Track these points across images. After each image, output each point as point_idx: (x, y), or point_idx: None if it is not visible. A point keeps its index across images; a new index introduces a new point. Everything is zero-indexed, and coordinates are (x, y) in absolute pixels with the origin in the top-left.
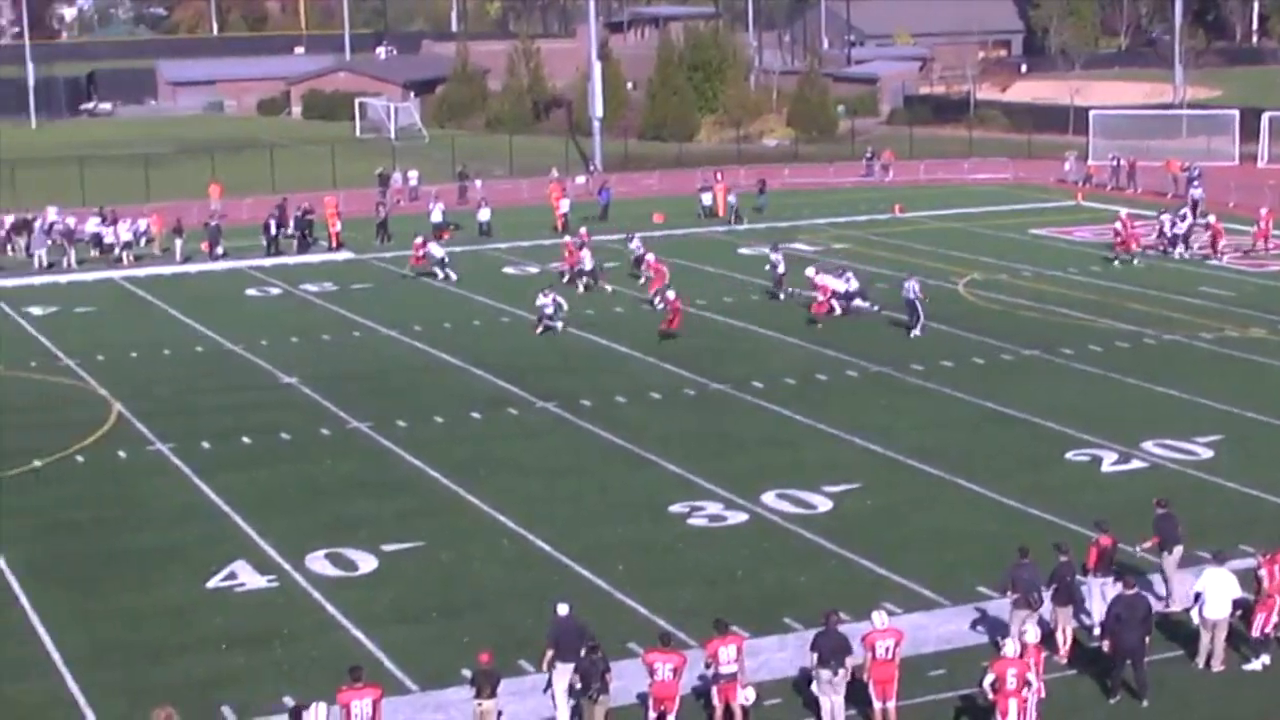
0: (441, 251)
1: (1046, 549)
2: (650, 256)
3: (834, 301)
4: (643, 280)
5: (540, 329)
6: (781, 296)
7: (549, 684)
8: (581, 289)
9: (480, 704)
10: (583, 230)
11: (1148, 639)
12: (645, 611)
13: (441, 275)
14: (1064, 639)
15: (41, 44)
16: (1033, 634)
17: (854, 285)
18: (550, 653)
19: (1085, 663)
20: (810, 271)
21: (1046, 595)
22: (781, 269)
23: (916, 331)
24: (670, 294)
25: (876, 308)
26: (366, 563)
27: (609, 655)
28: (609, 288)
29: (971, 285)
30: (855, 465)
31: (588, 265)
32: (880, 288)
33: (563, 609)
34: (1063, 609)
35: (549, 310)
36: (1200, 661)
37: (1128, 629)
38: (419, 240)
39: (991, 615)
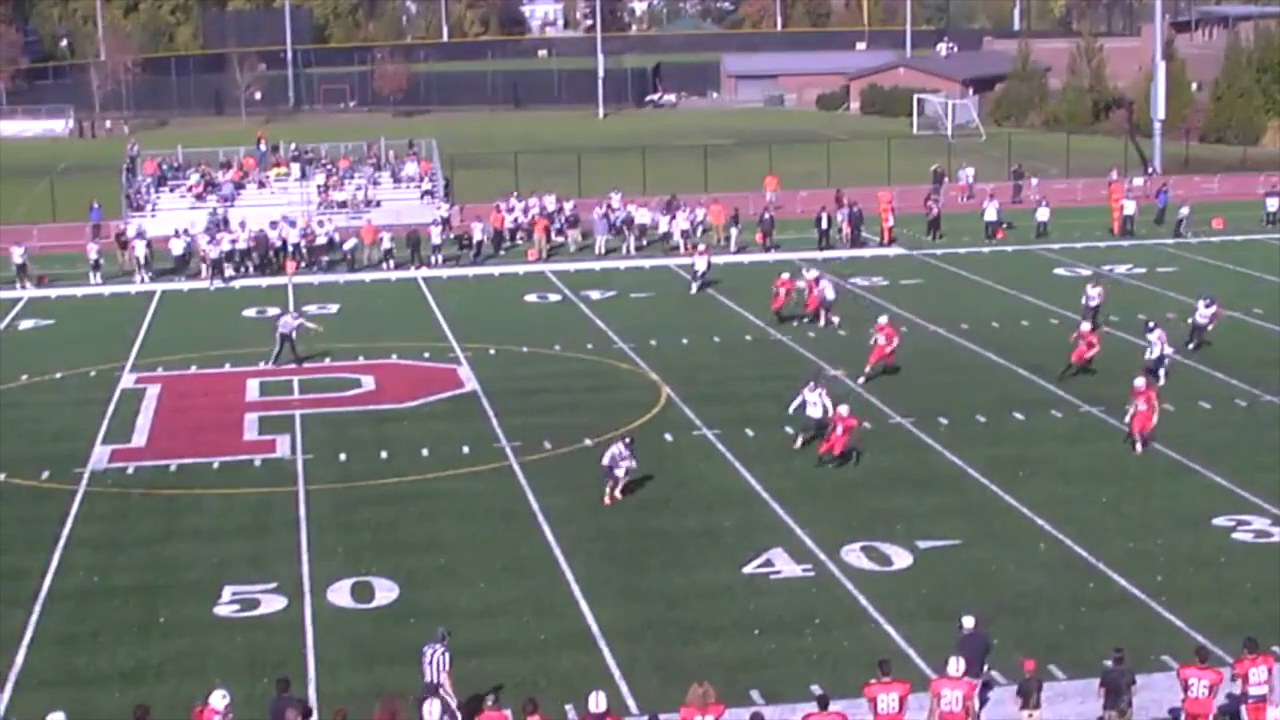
0: (704, 265)
1: None
2: (882, 319)
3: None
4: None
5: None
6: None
7: None
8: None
9: (1030, 714)
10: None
11: None
12: (1182, 625)
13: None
14: None
15: (612, 36)
16: None
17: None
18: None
19: None
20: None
21: None
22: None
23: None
24: (843, 409)
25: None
26: (901, 558)
27: (1141, 667)
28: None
29: None
30: None
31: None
32: None
33: (968, 622)
34: None
35: None
36: None
37: None
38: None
39: None
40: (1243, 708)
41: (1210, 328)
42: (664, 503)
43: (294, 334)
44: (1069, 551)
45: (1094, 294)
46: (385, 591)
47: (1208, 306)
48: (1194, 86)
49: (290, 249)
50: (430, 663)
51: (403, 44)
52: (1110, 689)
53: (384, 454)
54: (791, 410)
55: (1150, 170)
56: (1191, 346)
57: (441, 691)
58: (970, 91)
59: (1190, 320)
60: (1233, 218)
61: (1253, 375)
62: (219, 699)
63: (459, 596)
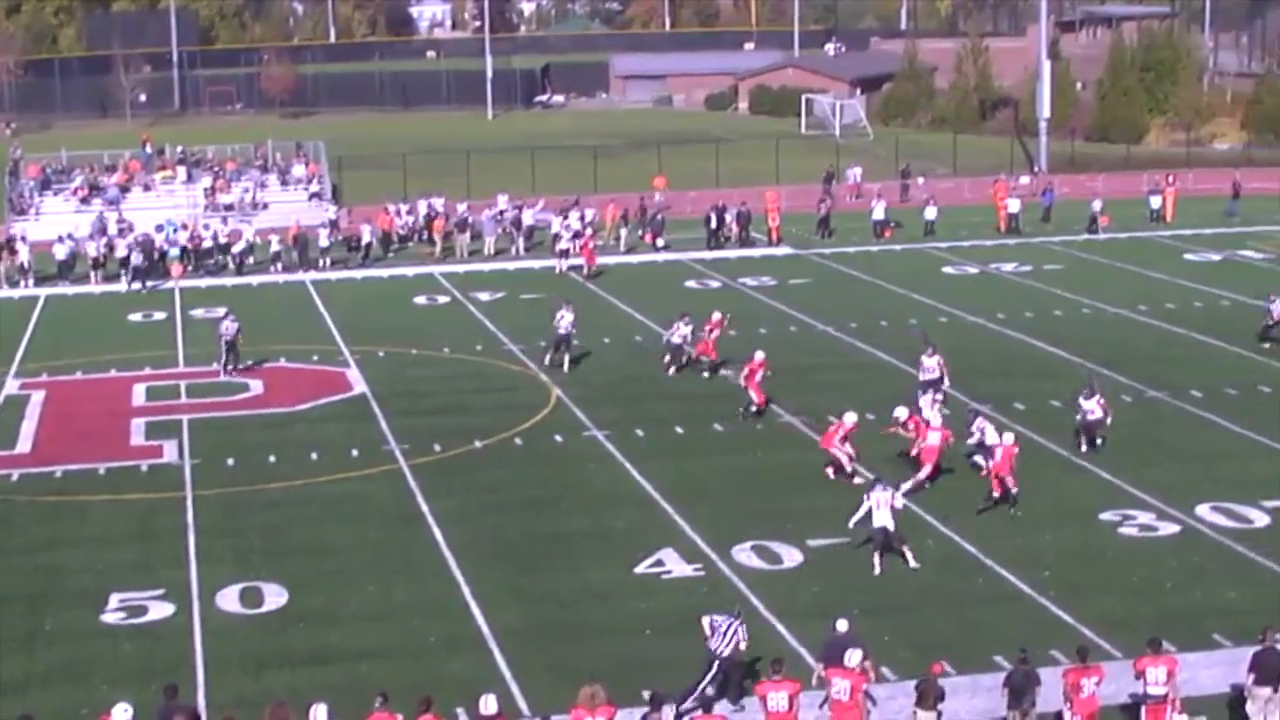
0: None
1: None
2: (717, 315)
3: None
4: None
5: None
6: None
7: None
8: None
9: (917, 713)
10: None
11: None
12: (1069, 619)
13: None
14: None
15: (501, 37)
16: None
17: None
18: (820, 668)
19: None
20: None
21: None
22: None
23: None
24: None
25: None
26: (792, 557)
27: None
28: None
29: None
30: None
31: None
32: None
33: (842, 625)
34: None
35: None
36: None
37: None
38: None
39: None
40: (1143, 708)
41: (1107, 420)
42: (554, 504)
43: (237, 337)
44: (957, 548)
45: (930, 365)
46: (274, 596)
47: (1088, 399)
48: (1079, 86)
49: (179, 252)
50: (724, 633)
51: (289, 45)
52: (1014, 690)
53: (272, 458)
54: (852, 523)
55: (1036, 169)
56: (1086, 449)
57: (720, 663)
58: (858, 91)
59: (1078, 418)
60: (1118, 215)
61: (1138, 371)
62: (121, 713)
63: (349, 600)
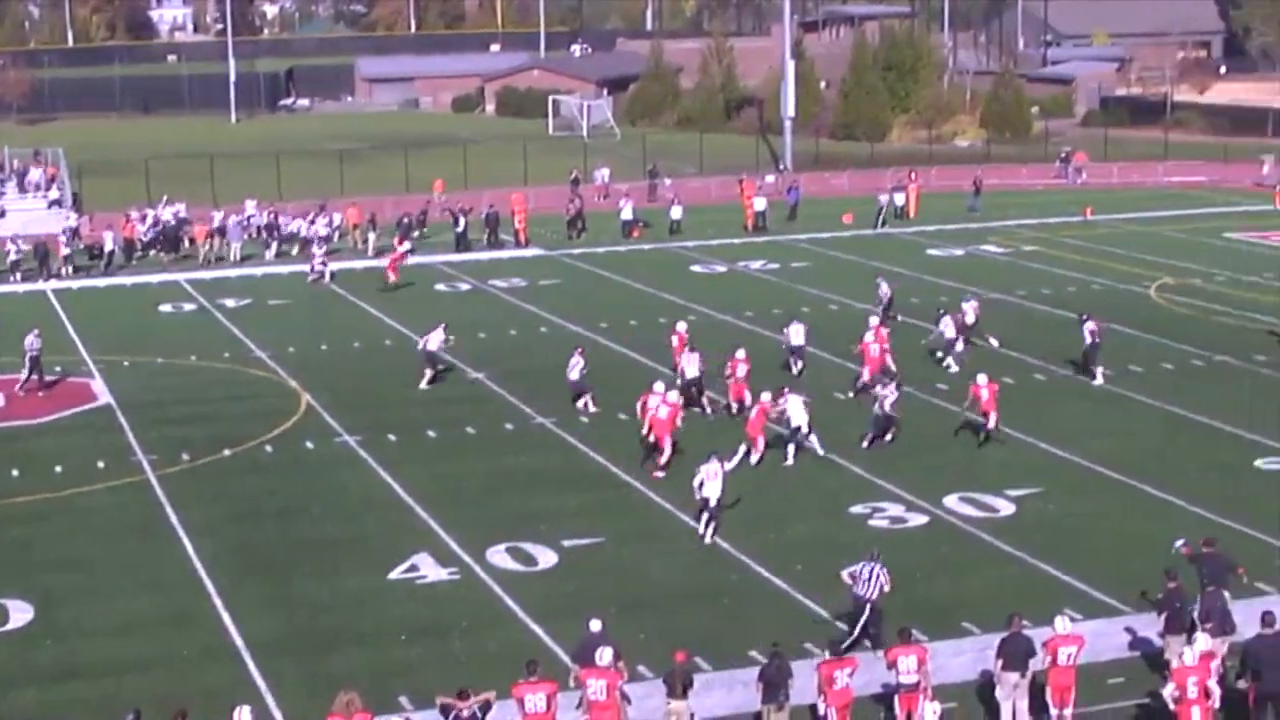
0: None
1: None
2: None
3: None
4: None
5: None
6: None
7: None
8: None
9: (669, 703)
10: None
11: None
12: (824, 613)
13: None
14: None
15: (243, 41)
16: (1190, 654)
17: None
18: (576, 668)
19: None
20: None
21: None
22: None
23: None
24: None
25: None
26: (546, 558)
27: (787, 655)
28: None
29: (1163, 290)
30: (1039, 469)
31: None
32: (1070, 291)
33: (595, 624)
34: (1174, 637)
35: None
36: None
37: (1271, 671)
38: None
39: None
40: (896, 697)
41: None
42: (306, 512)
43: (41, 353)
44: (711, 544)
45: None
46: (20, 613)
47: (885, 388)
48: (823, 85)
49: None
50: (867, 579)
51: (25, 49)
52: (768, 684)
53: (15, 472)
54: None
55: (782, 167)
56: (872, 442)
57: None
58: (605, 92)
59: (875, 408)
60: (862, 213)
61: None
62: None
63: (98, 615)
